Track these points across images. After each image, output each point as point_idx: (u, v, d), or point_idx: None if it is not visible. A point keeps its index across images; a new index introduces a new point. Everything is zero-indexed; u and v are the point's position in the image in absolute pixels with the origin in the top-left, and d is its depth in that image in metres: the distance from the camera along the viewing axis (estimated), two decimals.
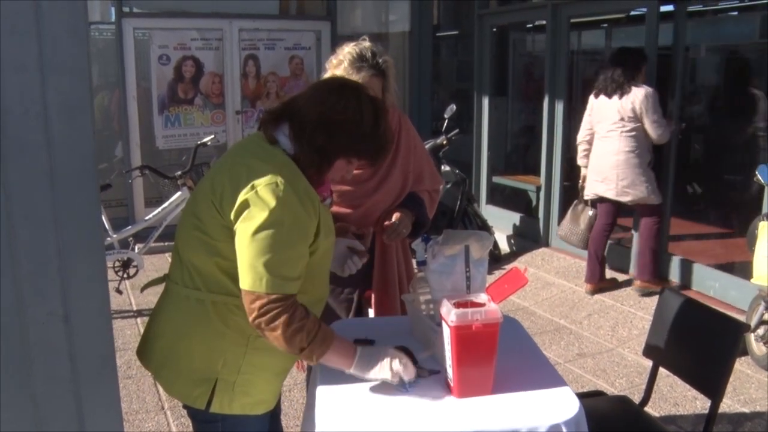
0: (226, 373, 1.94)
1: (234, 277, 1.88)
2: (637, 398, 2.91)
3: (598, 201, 5.46)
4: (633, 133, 5.13)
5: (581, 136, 5.53)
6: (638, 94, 5.07)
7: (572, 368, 4.35)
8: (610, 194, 5.31)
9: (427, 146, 6.36)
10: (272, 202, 1.79)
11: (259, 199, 1.79)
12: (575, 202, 5.71)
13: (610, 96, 5.20)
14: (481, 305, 1.90)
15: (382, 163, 2.10)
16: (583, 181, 5.55)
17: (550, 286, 5.89)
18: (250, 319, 1.83)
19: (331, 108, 1.90)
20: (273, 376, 2.04)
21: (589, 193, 5.48)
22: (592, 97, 5.43)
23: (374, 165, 2.15)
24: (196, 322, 1.94)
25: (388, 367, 1.93)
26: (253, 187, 1.80)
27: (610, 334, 4.86)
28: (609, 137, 5.25)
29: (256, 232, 1.79)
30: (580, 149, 5.54)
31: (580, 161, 5.58)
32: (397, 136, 2.69)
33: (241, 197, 1.81)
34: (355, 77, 2.42)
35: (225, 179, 1.87)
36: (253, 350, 1.95)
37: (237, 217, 1.82)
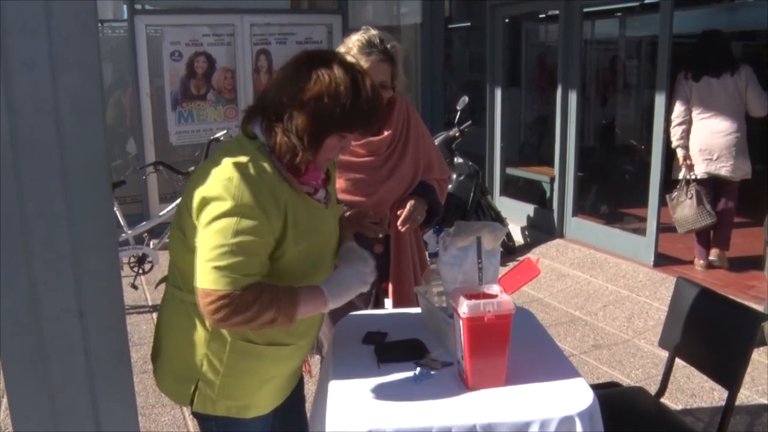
0: (207, 374, 1.91)
1: None
2: (653, 389, 2.89)
3: (702, 180, 5.49)
4: (742, 110, 5.30)
5: (679, 118, 5.51)
6: (747, 71, 5.24)
7: (588, 360, 4.34)
8: (725, 172, 5.39)
9: (439, 138, 6.42)
10: (224, 198, 1.72)
11: (213, 196, 1.74)
12: (677, 192, 5.57)
13: (718, 76, 5.29)
14: (494, 297, 1.90)
15: (376, 130, 1.92)
16: (683, 160, 5.56)
17: (564, 277, 5.87)
18: (205, 316, 1.76)
19: (303, 85, 1.76)
20: (261, 383, 1.98)
21: (699, 173, 5.48)
22: (689, 81, 5.44)
23: (371, 134, 2.00)
24: (180, 321, 1.92)
25: (359, 282, 1.88)
26: (211, 185, 1.75)
27: (625, 325, 4.85)
28: (720, 116, 5.32)
29: (207, 227, 1.74)
30: (679, 131, 5.52)
31: (678, 142, 5.55)
32: (406, 124, 2.70)
33: (198, 194, 1.76)
34: (363, 63, 2.42)
35: (196, 177, 1.82)
36: (234, 354, 1.90)
37: (198, 214, 1.77)
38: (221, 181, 1.74)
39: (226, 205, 1.72)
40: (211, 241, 1.73)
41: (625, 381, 4.00)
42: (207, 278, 1.73)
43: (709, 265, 5.66)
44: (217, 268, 1.72)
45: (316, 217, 1.92)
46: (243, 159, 1.78)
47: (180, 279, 1.92)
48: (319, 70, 1.76)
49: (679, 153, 5.55)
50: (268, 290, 1.77)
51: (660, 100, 5.55)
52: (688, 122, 5.49)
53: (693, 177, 5.48)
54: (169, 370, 1.99)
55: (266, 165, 1.80)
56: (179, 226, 1.88)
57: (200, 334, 1.90)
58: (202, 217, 1.75)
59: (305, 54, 1.84)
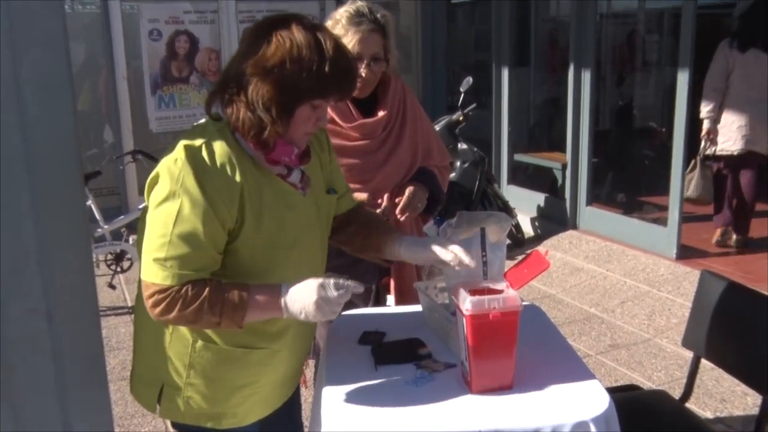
0: (172, 378, 1.91)
1: None
2: (677, 393, 2.87)
3: (729, 158, 5.63)
4: None
5: (714, 88, 5.56)
6: None
7: (604, 361, 4.34)
8: (759, 148, 5.51)
9: (441, 123, 6.41)
10: (166, 182, 1.72)
11: (157, 180, 1.75)
12: (698, 163, 5.73)
13: (766, 49, 5.35)
14: (499, 292, 1.89)
15: (350, 94, 1.88)
16: (707, 134, 5.65)
17: (578, 271, 5.87)
18: (147, 309, 1.78)
19: (263, 55, 1.73)
20: (230, 390, 1.95)
21: (734, 149, 5.58)
22: (734, 51, 5.48)
23: (345, 98, 1.95)
24: (145, 321, 1.91)
25: (312, 304, 1.75)
26: (159, 167, 1.76)
27: (646, 323, 4.85)
28: (761, 90, 5.37)
29: (152, 214, 1.75)
30: (712, 103, 5.58)
31: (708, 114, 5.62)
32: (402, 105, 2.70)
33: (150, 177, 1.78)
34: (353, 34, 2.45)
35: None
36: (197, 356, 1.89)
37: (147, 198, 1.79)
38: (166, 163, 1.75)
39: (167, 188, 1.72)
40: (153, 228, 1.74)
41: (646, 384, 4.01)
42: (147, 270, 1.75)
43: (724, 242, 5.80)
44: (156, 259, 1.73)
45: (287, 204, 1.88)
46: (197, 142, 1.76)
47: None
48: (279, 34, 1.74)
49: (705, 125, 5.58)
50: (213, 290, 1.75)
51: (683, 78, 5.52)
52: (722, 95, 5.51)
53: (713, 152, 5.54)
54: (140, 372, 2.01)
55: (224, 145, 1.77)
56: (144, 220, 1.86)
57: (163, 335, 1.90)
58: (150, 201, 1.77)
59: (265, 20, 1.81)
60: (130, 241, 5.65)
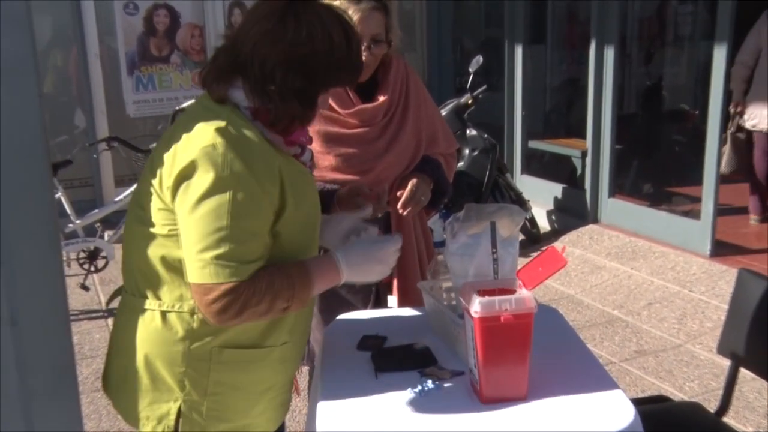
0: (190, 396, 1.91)
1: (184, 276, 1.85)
2: (712, 406, 2.86)
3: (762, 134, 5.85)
4: None
5: (742, 61, 5.70)
6: None
7: (630, 368, 4.35)
8: None
9: (448, 107, 6.41)
10: (210, 170, 1.74)
11: (195, 169, 1.75)
12: (729, 137, 5.97)
13: None
14: (512, 292, 1.89)
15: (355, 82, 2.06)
16: (735, 107, 5.83)
17: (600, 270, 5.87)
18: (208, 317, 1.80)
19: (295, 42, 1.81)
20: (255, 396, 1.99)
21: (761, 127, 5.78)
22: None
23: (352, 85, 2.10)
24: (148, 336, 1.91)
25: (383, 260, 2.00)
26: (189, 156, 1.76)
27: (676, 327, 4.85)
28: None
29: (195, 209, 1.75)
30: (738, 76, 5.72)
31: (741, 86, 5.77)
32: (404, 88, 2.70)
33: (176, 170, 1.77)
34: (352, 13, 2.44)
35: (162, 153, 1.83)
36: (219, 365, 1.91)
37: (174, 194, 1.78)
38: (202, 151, 1.75)
39: (212, 177, 1.74)
40: (203, 226, 1.75)
41: (677, 395, 4.01)
42: (205, 271, 1.75)
43: (764, 219, 5.92)
44: (218, 257, 1.74)
45: (306, 181, 1.97)
46: (221, 123, 1.80)
47: (143, 284, 1.92)
48: (308, 18, 1.82)
49: (735, 96, 5.65)
50: (278, 274, 1.83)
51: (720, 55, 5.47)
52: (749, 70, 5.60)
53: (742, 124, 5.62)
54: (145, 396, 1.96)
55: (250, 127, 1.84)
56: (140, 220, 1.87)
57: (177, 349, 1.90)
58: (185, 198, 1.76)
59: (285, 2, 1.86)
60: (105, 238, 5.66)
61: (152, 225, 1.85)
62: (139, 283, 1.93)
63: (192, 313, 1.87)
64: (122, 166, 7.31)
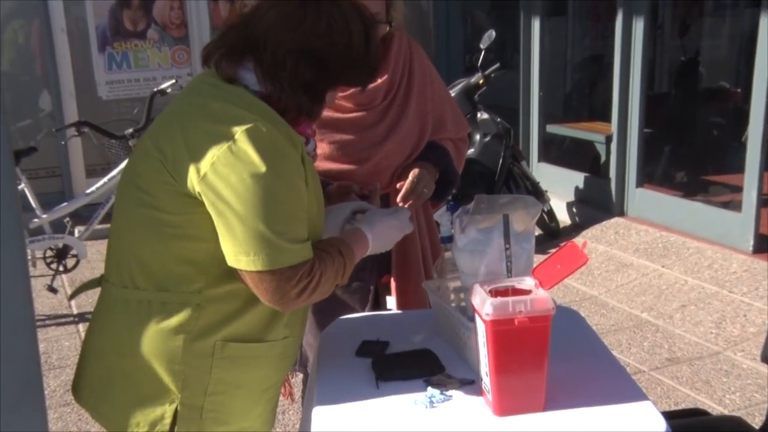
0: (188, 397, 1.95)
1: (200, 266, 1.90)
2: (757, 421, 2.86)
3: None
4: None
5: None
6: None
7: (661, 378, 4.35)
8: None
9: (457, 87, 6.41)
10: (259, 152, 1.80)
11: (240, 151, 1.80)
12: None
13: None
14: (527, 293, 1.90)
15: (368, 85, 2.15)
16: None
17: (627, 268, 5.88)
18: (280, 304, 1.89)
19: (312, 31, 1.89)
20: (258, 394, 2.05)
21: None
22: None
23: (362, 89, 2.19)
24: (140, 332, 1.94)
25: (401, 223, 2.19)
26: (226, 138, 1.81)
27: (713, 333, 4.84)
28: None
29: (249, 195, 1.80)
30: None
31: None
32: (407, 67, 2.69)
33: (210, 154, 1.80)
34: None
35: (176, 134, 1.87)
36: (223, 361, 1.95)
37: (208, 181, 1.81)
38: (246, 132, 1.81)
39: (266, 159, 1.80)
40: (266, 209, 1.81)
41: (715, 408, 4.00)
42: (284, 255, 1.84)
43: None
44: (291, 240, 1.85)
45: (313, 170, 2.03)
46: (248, 102, 1.89)
47: (143, 275, 1.94)
48: (330, 13, 1.91)
49: None
50: (329, 249, 1.97)
51: (766, 24, 5.40)
52: None
53: None
54: (133, 401, 1.98)
55: (269, 108, 1.92)
56: (145, 203, 1.90)
57: (177, 344, 1.93)
58: (230, 182, 1.80)
59: None
60: (76, 234, 5.66)
61: (164, 211, 1.88)
62: (135, 274, 1.95)
63: (199, 306, 1.91)
64: (94, 154, 7.31)
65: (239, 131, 1.81)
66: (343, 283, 2.02)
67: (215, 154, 1.80)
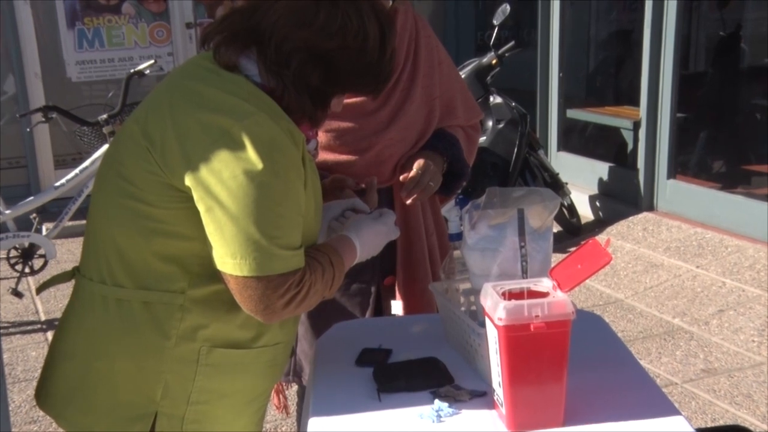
0: (168, 405, 1.96)
1: (184, 264, 1.91)
2: None
3: None
4: None
5: None
6: None
7: (696, 391, 4.36)
8: None
9: (468, 68, 6.43)
10: (256, 147, 1.81)
11: (235, 145, 1.80)
12: None
13: None
14: (544, 295, 1.90)
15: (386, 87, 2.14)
16: None
17: (657, 268, 5.89)
18: (262, 314, 1.89)
19: (323, 30, 1.90)
20: (244, 404, 2.07)
21: None
22: None
23: (373, 97, 2.22)
24: (118, 332, 1.95)
25: (388, 228, 2.22)
26: (221, 130, 1.81)
27: (756, 341, 4.84)
28: None
29: (243, 194, 1.81)
30: None
31: None
32: (413, 46, 2.69)
33: (203, 146, 1.82)
34: None
35: (165, 120, 1.87)
36: (207, 368, 1.97)
37: (199, 175, 1.82)
38: (244, 124, 1.82)
39: (264, 155, 1.81)
40: (259, 211, 1.82)
41: (758, 426, 4.00)
42: (276, 262, 1.84)
43: None
44: (283, 246, 1.85)
45: (314, 168, 2.07)
46: (248, 92, 1.90)
47: (123, 272, 1.95)
48: (346, 11, 1.92)
49: None
50: (320, 258, 1.99)
51: None
52: None
53: None
54: (106, 409, 1.99)
55: (270, 100, 1.93)
56: (128, 194, 1.91)
57: (159, 348, 1.94)
58: (222, 178, 1.81)
59: None
60: (43, 232, 5.64)
61: (148, 203, 1.89)
62: (115, 269, 1.96)
63: (184, 308, 1.93)
64: (63, 142, 7.28)
65: (236, 124, 1.82)
66: (330, 297, 2.05)
67: (208, 146, 1.81)
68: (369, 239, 2.16)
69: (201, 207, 1.84)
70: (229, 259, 1.83)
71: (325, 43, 1.90)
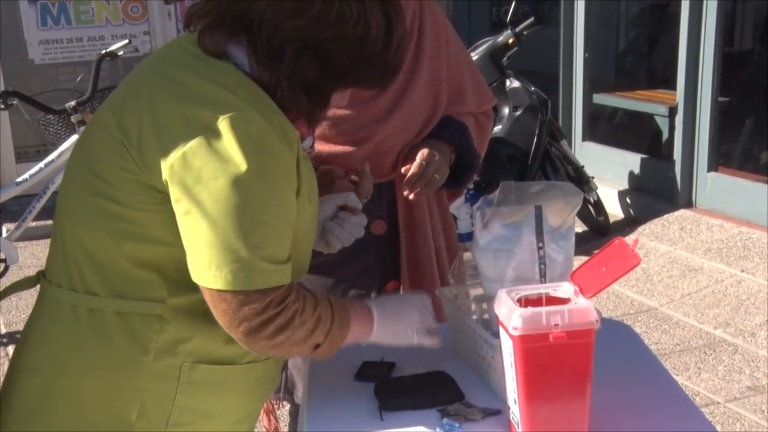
0: (145, 428, 1.96)
1: (162, 271, 1.91)
2: None
3: None
4: None
5: None
6: None
7: (740, 411, 4.37)
8: None
9: (481, 48, 6.44)
10: (242, 146, 1.80)
11: (219, 143, 1.80)
12: None
13: None
14: (564, 302, 1.92)
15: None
16: None
17: (696, 273, 5.90)
18: (237, 332, 1.87)
19: (319, 20, 1.88)
20: (230, 426, 2.07)
21: None
22: None
23: (380, 90, 2.23)
24: (89, 345, 1.95)
25: (411, 331, 2.17)
26: (204, 125, 1.81)
27: None
28: None
29: (224, 197, 1.80)
30: None
31: None
32: (417, 25, 2.69)
33: (183, 140, 1.81)
34: None
35: (143, 111, 1.87)
36: (189, 386, 1.97)
37: (177, 174, 1.82)
38: (228, 119, 1.81)
39: (249, 155, 1.80)
40: (239, 218, 1.81)
41: None
42: (252, 277, 1.83)
43: None
44: (264, 258, 1.83)
45: (309, 166, 2.07)
46: (236, 82, 1.89)
47: (95, 278, 1.95)
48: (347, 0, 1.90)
49: None
50: (321, 300, 1.99)
51: None
52: None
53: None
54: (66, 420, 1.98)
55: (262, 92, 1.92)
56: (99, 192, 1.91)
57: (136, 363, 1.94)
58: (201, 178, 1.80)
59: None
60: (4, 233, 5.67)
61: (122, 204, 1.89)
62: (86, 275, 1.96)
63: (163, 319, 1.93)
64: (25, 133, 7.30)
65: (220, 118, 1.80)
66: (324, 356, 2.02)
67: (188, 142, 1.80)
68: (391, 313, 2.16)
69: (178, 210, 1.83)
70: (204, 269, 1.83)
71: (321, 34, 1.89)
